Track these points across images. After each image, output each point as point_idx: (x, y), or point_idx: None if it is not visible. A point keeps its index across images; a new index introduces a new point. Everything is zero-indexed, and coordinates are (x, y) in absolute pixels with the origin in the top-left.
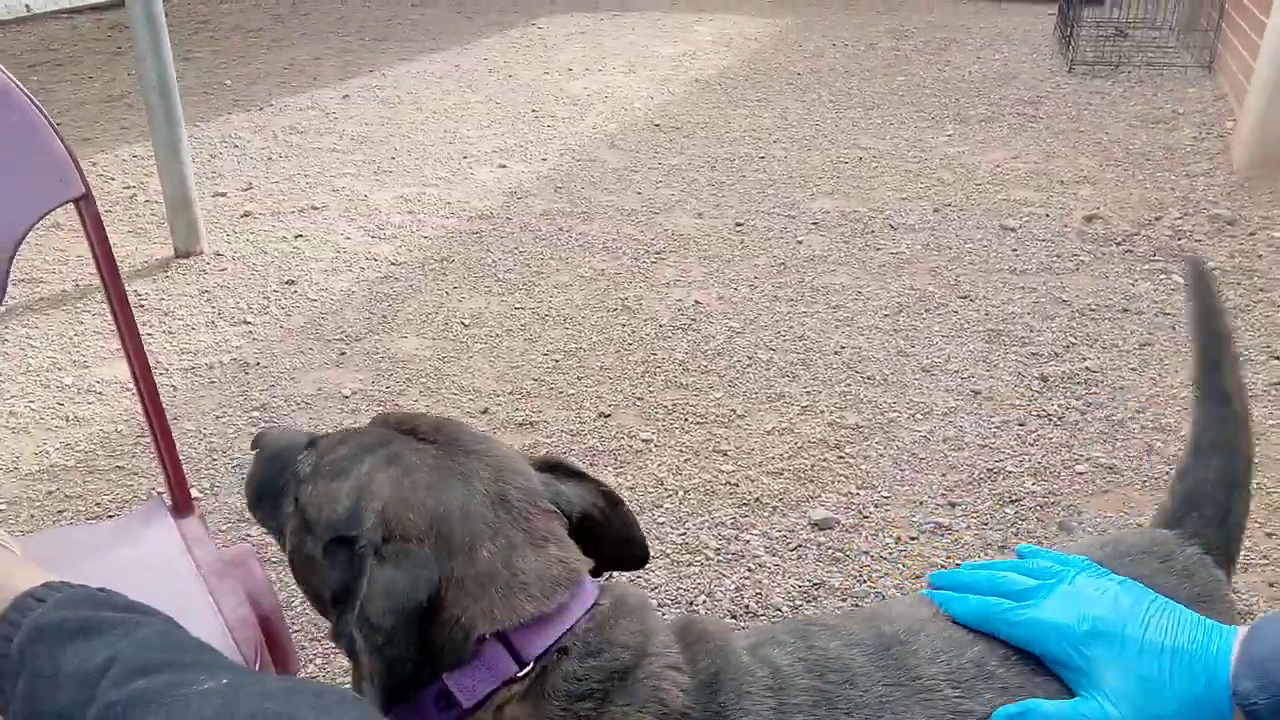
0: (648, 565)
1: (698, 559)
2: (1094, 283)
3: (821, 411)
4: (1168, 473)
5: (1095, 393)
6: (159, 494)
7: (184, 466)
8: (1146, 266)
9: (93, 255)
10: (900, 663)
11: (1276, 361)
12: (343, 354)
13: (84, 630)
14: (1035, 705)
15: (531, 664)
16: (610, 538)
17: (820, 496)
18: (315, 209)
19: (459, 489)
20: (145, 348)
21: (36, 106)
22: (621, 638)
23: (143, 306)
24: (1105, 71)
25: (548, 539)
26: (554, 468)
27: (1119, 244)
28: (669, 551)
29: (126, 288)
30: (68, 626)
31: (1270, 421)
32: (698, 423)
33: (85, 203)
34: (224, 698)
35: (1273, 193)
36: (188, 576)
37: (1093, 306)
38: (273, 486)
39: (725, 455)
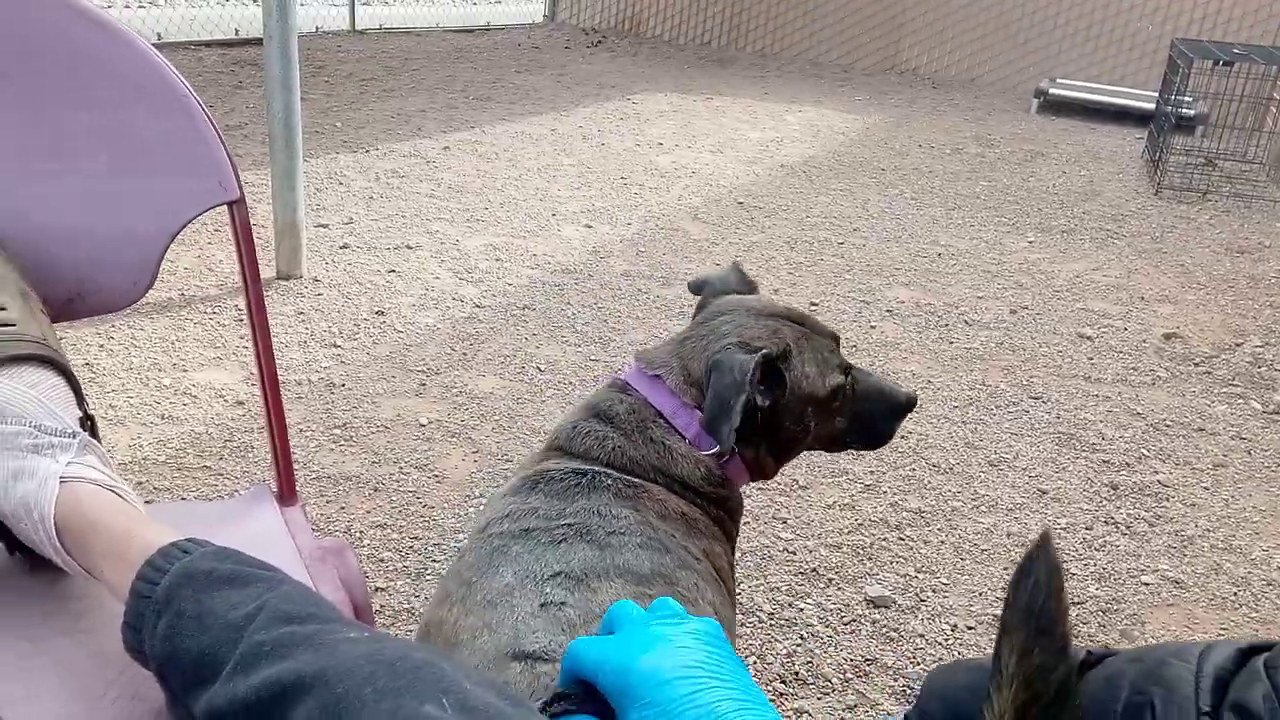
0: None
1: (750, 620)
2: (1170, 399)
3: (884, 492)
4: (1235, 594)
5: (1166, 507)
6: (265, 481)
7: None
8: (1224, 390)
9: (238, 255)
10: None
11: None
12: (423, 385)
13: (231, 580)
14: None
15: None
16: None
17: (878, 574)
18: (409, 248)
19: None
20: (244, 356)
21: (207, 114)
22: None
23: (243, 321)
24: (1192, 198)
25: None
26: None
27: (1197, 364)
28: None
29: (230, 302)
30: (217, 575)
31: None
32: (759, 489)
33: (238, 206)
34: (369, 645)
35: None
36: (291, 560)
37: (1168, 422)
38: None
39: (785, 523)
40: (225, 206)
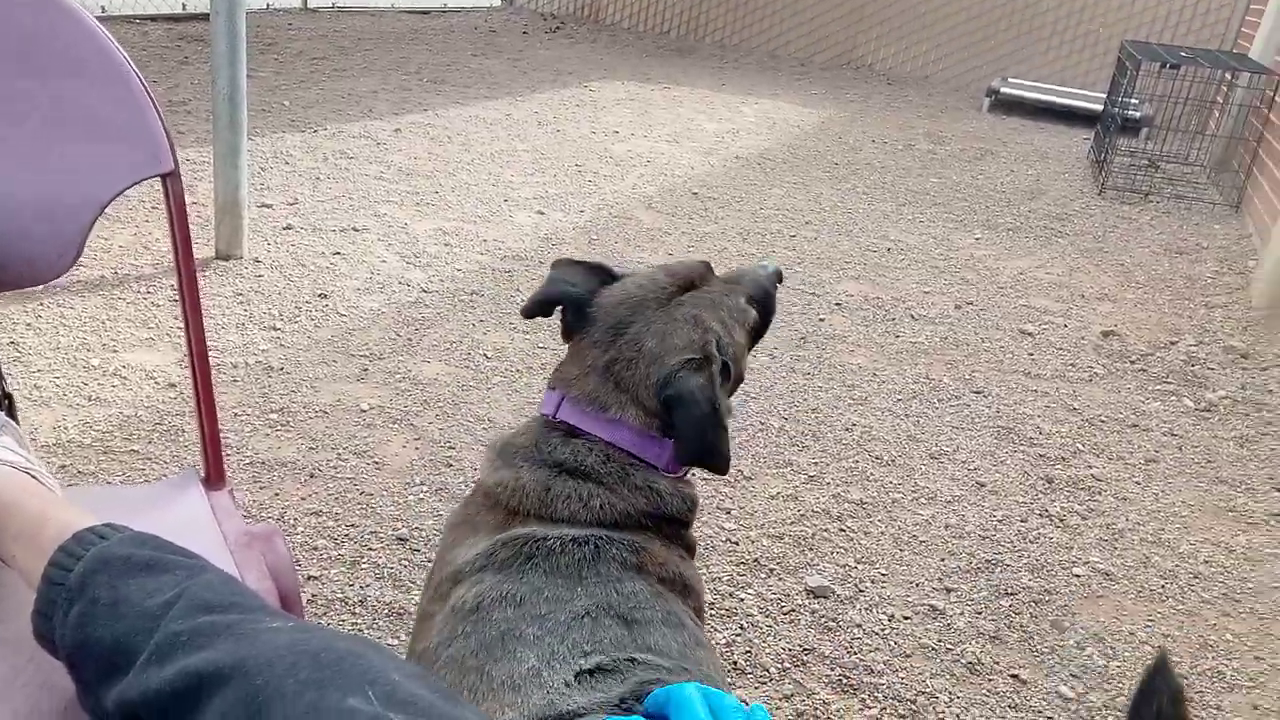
0: None
1: None
2: (1106, 395)
3: (827, 483)
4: (1163, 586)
5: (1098, 500)
6: (195, 466)
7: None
8: (1158, 387)
9: (170, 230)
10: None
11: (1277, 494)
12: (365, 370)
13: (149, 567)
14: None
15: None
16: None
17: (818, 565)
18: (355, 230)
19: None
20: (177, 338)
21: (144, 86)
22: None
23: (178, 301)
24: (1134, 199)
25: None
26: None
27: (1133, 362)
28: None
29: (166, 281)
30: (135, 561)
31: (1268, 549)
32: (703, 478)
33: (172, 179)
34: (293, 635)
35: None
36: (215, 546)
37: (1103, 418)
38: None
39: (728, 514)
40: (160, 180)
